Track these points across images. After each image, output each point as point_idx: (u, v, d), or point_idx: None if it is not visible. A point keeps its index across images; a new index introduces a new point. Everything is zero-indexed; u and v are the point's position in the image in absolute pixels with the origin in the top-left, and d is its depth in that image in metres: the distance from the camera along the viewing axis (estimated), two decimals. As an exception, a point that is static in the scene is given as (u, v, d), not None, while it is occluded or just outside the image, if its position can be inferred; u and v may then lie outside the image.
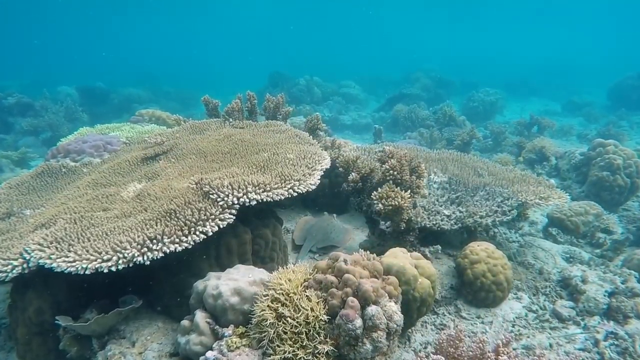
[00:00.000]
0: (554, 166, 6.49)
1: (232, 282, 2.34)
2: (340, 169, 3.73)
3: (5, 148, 9.05)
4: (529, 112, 11.23)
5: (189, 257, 2.61)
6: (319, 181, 2.98)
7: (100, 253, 2.25)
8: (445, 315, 3.18)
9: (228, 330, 2.25)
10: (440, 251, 3.54)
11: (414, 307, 2.54)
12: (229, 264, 2.69)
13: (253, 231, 2.82)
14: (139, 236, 2.34)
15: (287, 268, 2.39)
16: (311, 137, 3.93)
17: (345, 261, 2.29)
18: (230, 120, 4.19)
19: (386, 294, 2.16)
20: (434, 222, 3.50)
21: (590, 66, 27.03)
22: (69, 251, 2.29)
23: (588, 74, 23.92)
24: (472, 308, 3.23)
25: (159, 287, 2.72)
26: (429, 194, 4.03)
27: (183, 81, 21.02)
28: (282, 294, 2.20)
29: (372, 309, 2.03)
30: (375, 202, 3.06)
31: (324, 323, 2.08)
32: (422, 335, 2.97)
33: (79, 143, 3.96)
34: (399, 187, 3.09)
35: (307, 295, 2.17)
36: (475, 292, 3.21)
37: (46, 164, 3.81)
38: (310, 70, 18.15)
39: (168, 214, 2.51)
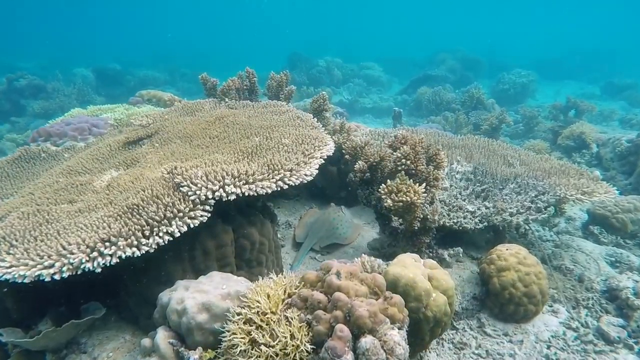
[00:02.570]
0: (595, 154, 5.78)
1: (201, 295, 1.92)
2: (347, 156, 3.24)
3: (18, 131, 8.92)
4: (567, 95, 10.32)
5: (158, 260, 2.21)
6: (317, 171, 2.52)
7: (42, 257, 1.86)
8: (466, 330, 2.69)
9: (194, 355, 1.84)
10: (461, 254, 3.03)
11: (426, 328, 2.07)
12: (205, 269, 2.28)
13: (236, 230, 2.39)
14: (90, 237, 1.94)
15: (268, 279, 1.96)
16: (316, 119, 3.45)
17: (337, 274, 1.84)
18: (226, 100, 3.74)
19: (387, 320, 1.69)
20: (455, 220, 2.99)
21: (631, 47, 25.12)
22: (8, 254, 1.92)
23: (628, 55, 22.21)
24: (498, 323, 2.74)
25: (126, 293, 2.33)
26: (451, 185, 3.50)
27: (201, 63, 20.59)
28: (258, 313, 1.77)
29: (366, 341, 1.57)
30: (383, 196, 2.57)
31: (306, 354, 1.64)
32: (437, 355, 2.51)
33: (62, 125, 3.60)
34: (412, 180, 2.59)
35: (287, 317, 1.73)
36: (502, 304, 2.71)
37: (24, 148, 3.48)
38: (331, 51, 17.51)
39: (130, 210, 2.10)
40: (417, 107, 11.59)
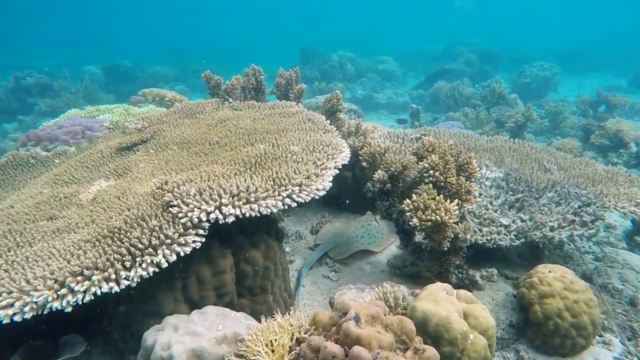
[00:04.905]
0: (635, 154, 5.30)
1: (192, 338, 1.60)
2: (364, 163, 2.89)
3: (24, 129, 8.76)
4: (591, 88, 9.73)
5: (145, 288, 1.89)
6: (330, 184, 2.17)
7: (0, 295, 1.56)
8: (502, 365, 2.33)
9: (182, 413, 1.52)
10: (495, 275, 2.66)
11: (462, 378, 1.71)
12: (200, 300, 1.96)
13: (237, 254, 2.06)
14: (60, 268, 1.63)
15: (271, 321, 1.62)
16: (329, 121, 3.10)
17: (356, 318, 1.49)
18: (230, 100, 3.41)
19: (420, 382, 1.34)
20: (489, 237, 2.61)
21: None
22: (-35, 289, 1.62)
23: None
24: (539, 356, 2.37)
25: (110, 324, 2.03)
26: (480, 194, 3.12)
27: (213, 58, 20.24)
28: (258, 368, 1.44)
29: (395, 418, 1.22)
30: (408, 214, 2.21)
31: None
32: (470, 397, 2.14)
33: (54, 129, 3.32)
34: (441, 194, 2.22)
35: (294, 374, 1.40)
36: (545, 336, 2.33)
37: (12, 154, 3.21)
38: (345, 45, 17.02)
39: (111, 234, 1.78)
40: (434, 102, 11.13)
